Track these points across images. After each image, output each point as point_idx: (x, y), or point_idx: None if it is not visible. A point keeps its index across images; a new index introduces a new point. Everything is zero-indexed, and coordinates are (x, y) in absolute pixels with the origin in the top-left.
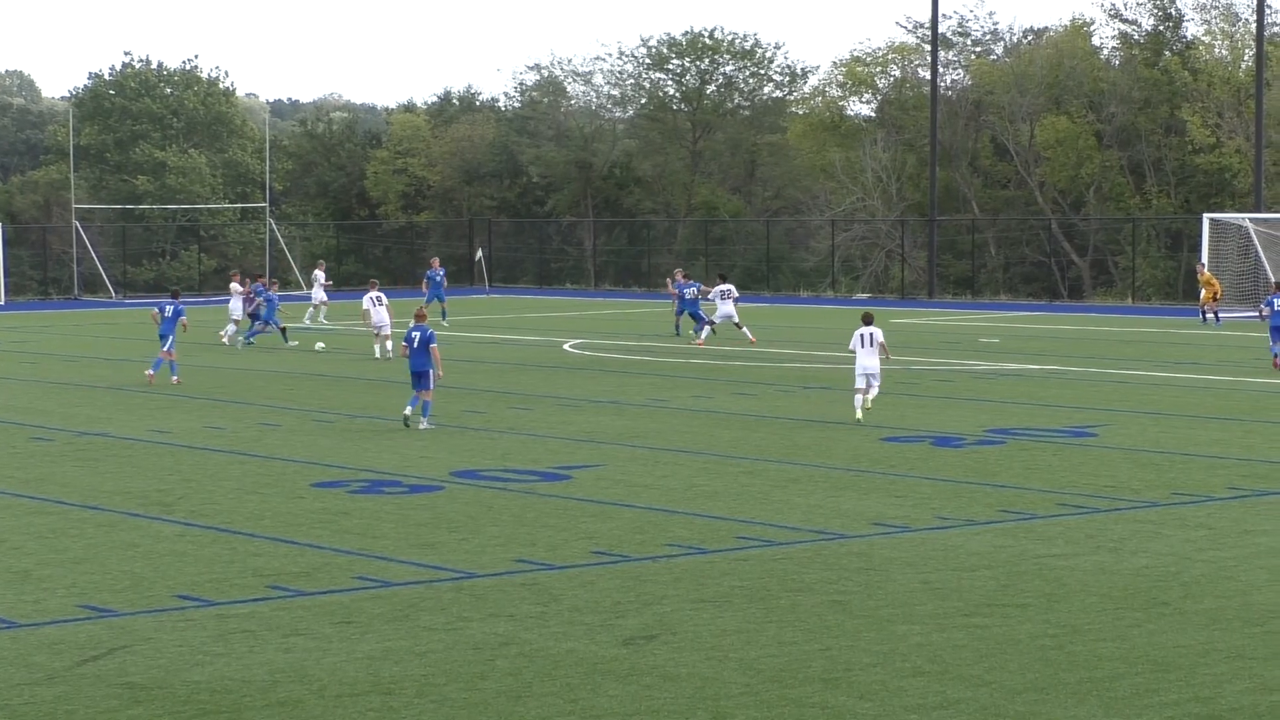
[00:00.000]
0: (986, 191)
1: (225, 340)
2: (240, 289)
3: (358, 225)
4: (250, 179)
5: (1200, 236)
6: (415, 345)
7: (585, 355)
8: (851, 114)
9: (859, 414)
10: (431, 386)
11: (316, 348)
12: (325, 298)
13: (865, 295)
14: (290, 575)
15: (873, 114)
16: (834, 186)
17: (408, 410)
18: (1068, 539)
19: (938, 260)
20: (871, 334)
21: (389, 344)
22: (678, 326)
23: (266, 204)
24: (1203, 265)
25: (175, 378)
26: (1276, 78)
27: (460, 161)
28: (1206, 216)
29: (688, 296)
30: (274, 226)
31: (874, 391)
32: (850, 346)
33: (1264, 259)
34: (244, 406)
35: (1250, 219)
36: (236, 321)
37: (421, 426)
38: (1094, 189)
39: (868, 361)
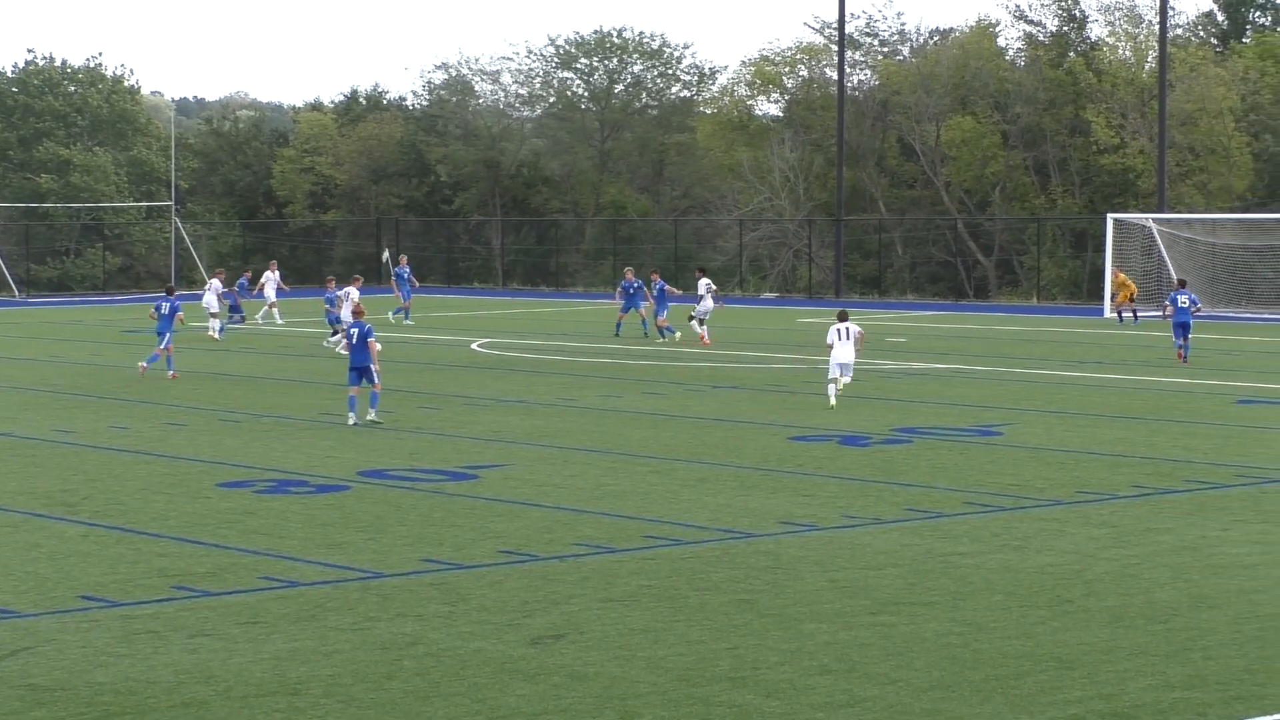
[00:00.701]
0: (893, 191)
1: (217, 337)
2: (220, 286)
3: (264, 224)
4: (155, 177)
5: (1105, 236)
6: (355, 340)
7: (493, 355)
8: (759, 114)
9: (832, 401)
10: (376, 380)
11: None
12: (274, 296)
13: (773, 294)
14: (196, 576)
15: (780, 114)
16: (742, 186)
17: (351, 419)
18: (973, 537)
19: (845, 260)
20: (848, 328)
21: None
22: (619, 326)
23: (172, 202)
24: (1118, 267)
25: (172, 372)
26: (1179, 79)
27: (367, 160)
28: (1111, 216)
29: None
30: (180, 225)
31: (847, 377)
32: (828, 340)
33: (1167, 259)
34: (149, 406)
35: (1154, 219)
36: (215, 315)
37: (369, 418)
38: (999, 189)
39: (843, 355)
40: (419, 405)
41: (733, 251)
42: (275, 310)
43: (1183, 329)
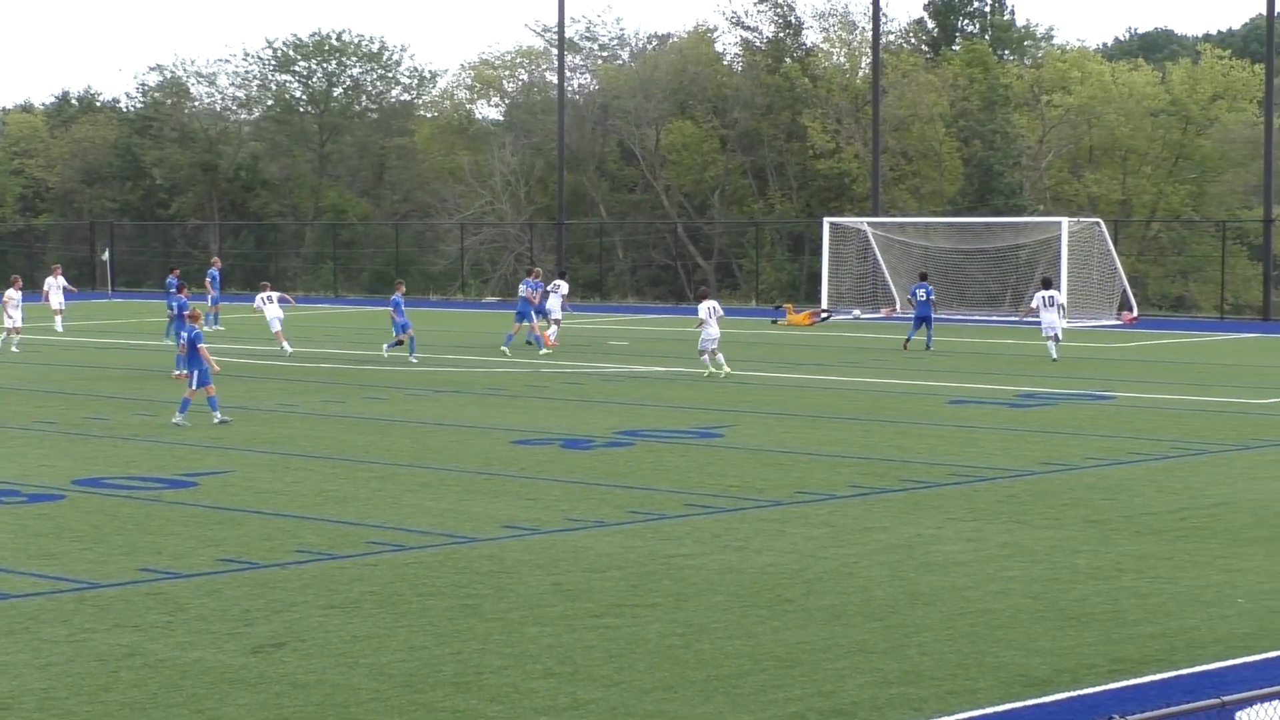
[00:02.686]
0: (614, 195)
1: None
2: (17, 294)
3: None
4: None
5: (821, 240)
6: (186, 344)
7: (212, 360)
8: (479, 117)
9: (710, 371)
10: (210, 382)
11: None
12: (63, 302)
13: (495, 298)
14: None
15: (501, 117)
16: (463, 190)
17: (177, 419)
18: (695, 538)
19: (566, 263)
20: (714, 306)
21: None
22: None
23: None
24: (791, 307)
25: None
26: (892, 85)
27: (80, 163)
28: (827, 220)
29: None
30: None
31: (719, 352)
32: (700, 317)
33: (882, 261)
34: None
35: (869, 222)
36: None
37: (216, 420)
38: (718, 193)
39: (714, 331)
40: (135, 412)
41: (454, 255)
42: (58, 318)
43: (923, 321)
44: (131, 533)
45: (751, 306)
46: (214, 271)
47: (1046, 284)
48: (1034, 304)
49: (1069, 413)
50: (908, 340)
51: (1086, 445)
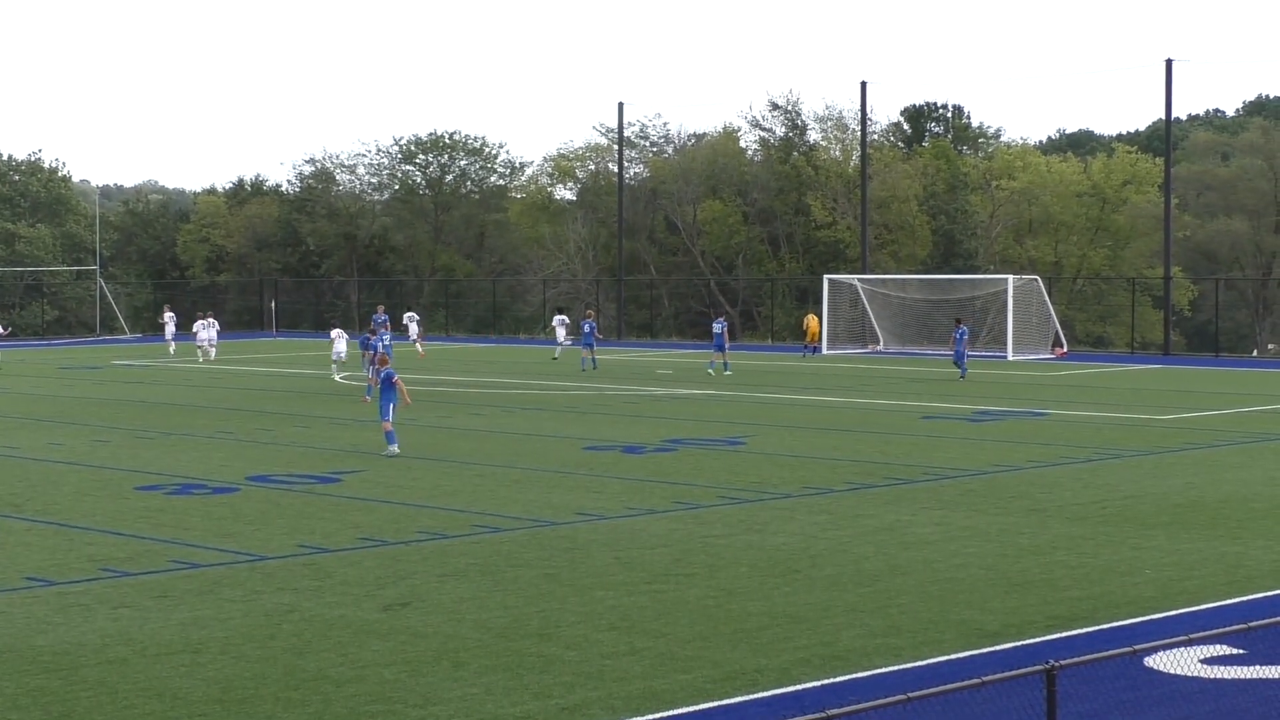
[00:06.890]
0: (661, 257)
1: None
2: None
3: (170, 283)
4: (83, 247)
5: (822, 292)
6: (384, 382)
7: (350, 385)
8: (558, 198)
9: (337, 377)
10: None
11: None
12: (211, 338)
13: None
14: (118, 560)
15: (574, 198)
16: (544, 254)
17: (392, 449)
18: (725, 523)
19: (625, 310)
20: (340, 332)
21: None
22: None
23: (97, 266)
24: (813, 315)
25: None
26: (876, 172)
27: (252, 233)
28: (826, 277)
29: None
30: (103, 285)
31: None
32: (332, 335)
33: (869, 309)
34: (79, 427)
35: (859, 279)
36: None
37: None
38: (742, 256)
39: (339, 347)
40: (294, 425)
41: (538, 304)
42: (211, 352)
43: (962, 357)
44: (291, 517)
45: (768, 344)
46: (377, 317)
47: (560, 310)
48: (554, 323)
49: (1014, 426)
50: (963, 375)
51: (1028, 451)
